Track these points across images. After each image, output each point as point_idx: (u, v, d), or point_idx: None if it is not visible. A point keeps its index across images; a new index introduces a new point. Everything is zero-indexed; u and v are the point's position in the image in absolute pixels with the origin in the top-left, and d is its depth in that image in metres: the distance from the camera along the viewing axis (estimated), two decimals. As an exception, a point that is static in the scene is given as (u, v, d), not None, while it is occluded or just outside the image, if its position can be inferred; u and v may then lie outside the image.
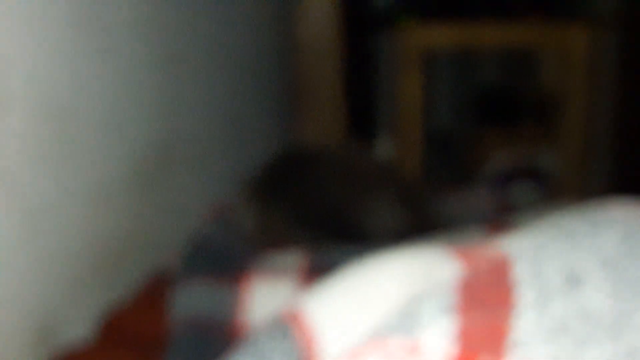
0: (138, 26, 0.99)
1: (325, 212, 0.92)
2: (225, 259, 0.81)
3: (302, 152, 1.04)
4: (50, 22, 0.77)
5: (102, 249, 0.90)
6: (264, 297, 0.72)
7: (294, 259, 0.80)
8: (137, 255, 0.99)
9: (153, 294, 0.85)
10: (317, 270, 0.76)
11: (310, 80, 1.92)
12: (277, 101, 1.83)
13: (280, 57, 1.85)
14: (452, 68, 2.37)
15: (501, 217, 0.91)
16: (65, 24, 0.80)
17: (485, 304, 0.37)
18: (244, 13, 1.51)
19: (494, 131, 2.16)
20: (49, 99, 0.78)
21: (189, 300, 0.73)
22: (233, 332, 0.69)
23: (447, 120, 2.40)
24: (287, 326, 0.42)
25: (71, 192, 0.83)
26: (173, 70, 1.11)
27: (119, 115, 0.94)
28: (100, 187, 0.90)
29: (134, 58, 0.98)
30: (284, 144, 1.75)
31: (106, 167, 0.91)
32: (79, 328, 0.83)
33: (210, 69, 1.30)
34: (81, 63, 0.84)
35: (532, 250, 0.39)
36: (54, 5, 0.77)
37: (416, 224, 0.94)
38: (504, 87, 2.35)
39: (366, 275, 0.44)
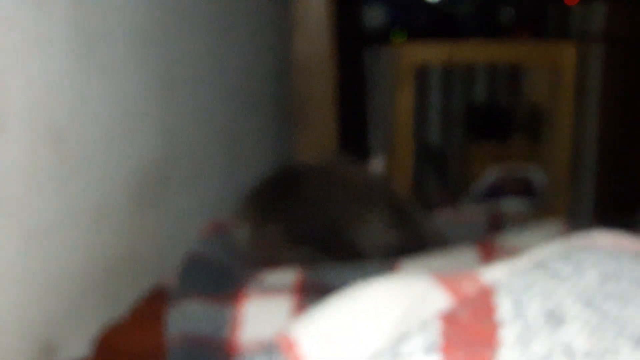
0: (136, 46, 0.98)
1: (319, 229, 0.92)
2: (220, 278, 0.80)
3: (296, 168, 1.03)
4: (48, 42, 0.77)
5: (102, 268, 0.90)
6: (259, 317, 0.71)
7: (288, 277, 0.79)
8: (137, 274, 0.98)
9: (149, 311, 0.84)
10: (312, 289, 0.76)
11: (305, 98, 1.92)
12: (273, 119, 1.83)
13: (276, 76, 1.85)
14: (443, 85, 2.38)
15: (491, 236, 0.91)
16: (63, 43, 0.79)
17: (470, 343, 0.36)
18: (241, 32, 1.52)
19: (484, 146, 2.17)
20: (46, 119, 0.77)
21: (184, 319, 0.72)
22: (228, 351, 0.69)
23: (438, 135, 2.40)
24: (282, 354, 0.42)
25: (70, 212, 0.83)
26: (171, 90, 1.11)
27: (118, 135, 0.94)
28: (99, 206, 0.89)
29: (132, 78, 0.98)
30: (281, 162, 1.75)
31: (105, 187, 0.91)
32: (79, 347, 0.82)
33: (207, 88, 1.30)
34: (79, 83, 0.83)
35: (518, 289, 0.39)
36: (52, 24, 0.77)
37: (408, 241, 0.94)
38: (493, 103, 2.36)
39: (358, 307, 0.43)
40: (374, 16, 2.17)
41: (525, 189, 2.00)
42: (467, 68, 2.35)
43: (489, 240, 0.87)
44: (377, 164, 1.17)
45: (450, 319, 0.38)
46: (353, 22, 2.17)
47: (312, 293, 0.75)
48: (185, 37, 1.17)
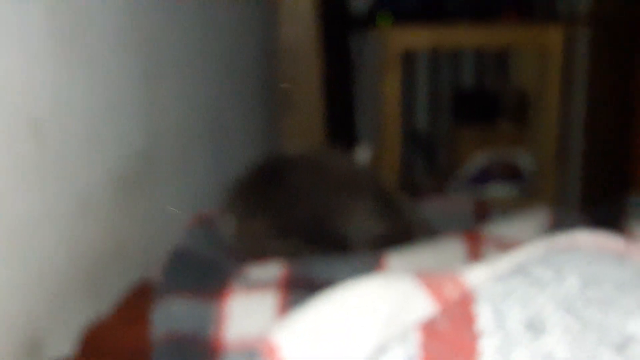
0: (117, 34, 0.97)
1: (305, 221, 0.91)
2: (205, 273, 0.80)
3: (281, 159, 1.03)
4: (26, 32, 0.75)
5: (86, 262, 0.88)
6: (244, 314, 0.71)
7: (273, 271, 0.79)
8: (122, 267, 0.97)
9: (135, 307, 0.83)
10: (298, 283, 0.75)
11: (291, 84, 1.91)
12: (260, 107, 1.81)
13: (262, 62, 1.84)
14: (430, 69, 2.37)
15: (478, 226, 0.90)
16: (42, 33, 0.77)
17: (449, 355, 0.36)
18: (225, 19, 1.50)
19: (471, 131, 2.16)
20: (25, 111, 0.75)
21: (170, 317, 0.72)
22: (214, 348, 0.68)
23: (426, 121, 2.39)
24: (264, 359, 0.41)
25: (52, 205, 0.81)
26: (154, 78, 1.09)
27: (100, 125, 0.92)
28: (82, 199, 0.88)
29: (113, 66, 0.96)
30: (268, 150, 1.74)
31: (88, 179, 0.89)
32: (64, 344, 0.81)
33: (191, 76, 1.28)
34: (59, 73, 0.81)
35: (498, 298, 0.38)
36: (31, 14, 0.75)
37: (395, 231, 0.93)
38: (480, 87, 2.36)
39: (341, 311, 0.43)
40: (360, 0, 2.15)
41: (512, 173, 2.00)
42: (454, 52, 2.34)
43: (475, 230, 0.86)
44: (363, 153, 1.16)
45: (430, 330, 0.37)
46: (339, 6, 2.15)
47: (298, 288, 0.74)
48: (167, 24, 1.15)
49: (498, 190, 1.98)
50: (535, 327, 0.36)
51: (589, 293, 0.37)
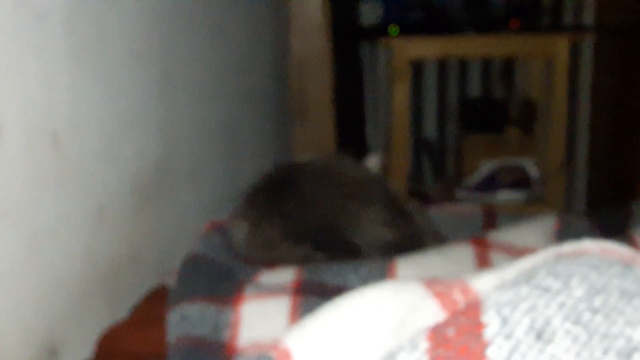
0: (133, 47, 0.97)
1: (316, 228, 0.91)
2: (219, 278, 0.79)
3: (293, 167, 1.02)
4: (45, 47, 0.75)
5: (103, 269, 0.89)
6: (257, 319, 0.70)
7: (285, 277, 0.78)
8: (139, 274, 0.97)
9: (150, 312, 0.83)
10: (309, 289, 0.75)
11: (302, 95, 1.91)
12: (272, 117, 1.81)
13: (274, 73, 1.84)
14: (438, 78, 2.37)
15: (486, 232, 0.90)
16: (60, 47, 0.78)
17: None
18: (238, 31, 1.50)
19: (479, 139, 2.16)
20: (44, 123, 0.76)
21: (184, 322, 0.72)
22: (227, 353, 0.68)
23: (434, 129, 2.39)
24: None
25: (71, 214, 0.82)
26: (169, 90, 1.10)
27: (116, 136, 0.93)
28: (100, 208, 0.88)
29: (130, 79, 0.96)
30: (280, 159, 1.74)
31: (105, 188, 0.89)
32: (82, 349, 0.82)
33: (206, 87, 1.28)
34: (76, 86, 0.82)
35: (506, 306, 0.38)
36: (49, 29, 0.76)
37: (405, 238, 0.93)
38: (487, 95, 2.35)
39: (352, 317, 0.42)
40: (370, 12, 2.15)
41: (519, 181, 1.99)
42: (461, 62, 2.33)
43: (483, 237, 0.86)
44: (374, 161, 1.16)
45: (437, 337, 0.37)
46: (349, 18, 2.16)
47: (310, 293, 0.74)
48: (182, 37, 1.16)
49: (506, 197, 1.97)
50: (543, 337, 0.35)
51: (596, 302, 0.37)
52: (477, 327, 0.37)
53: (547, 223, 0.90)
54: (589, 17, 2.26)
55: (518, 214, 1.11)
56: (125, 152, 0.95)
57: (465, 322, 0.37)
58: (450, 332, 0.37)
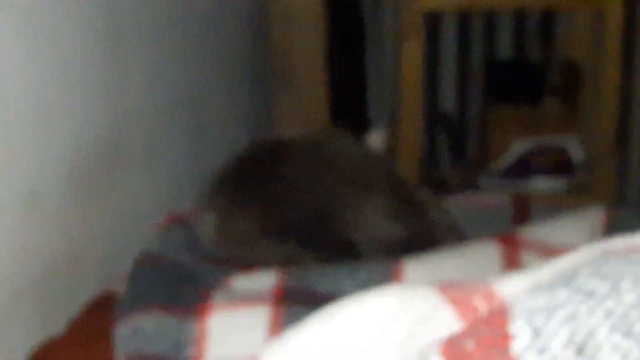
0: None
1: (304, 220, 0.92)
2: (180, 284, 0.80)
3: (274, 143, 1.03)
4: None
5: (36, 270, 0.89)
6: (228, 333, 0.71)
7: (264, 282, 0.79)
8: (79, 277, 0.98)
9: (93, 324, 0.84)
10: (294, 297, 0.76)
11: (287, 55, 1.91)
12: (248, 82, 1.81)
13: (251, 28, 1.84)
14: (458, 36, 2.37)
15: (517, 228, 0.91)
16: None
17: None
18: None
19: (509, 113, 2.16)
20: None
21: (137, 336, 0.72)
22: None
23: (453, 100, 2.39)
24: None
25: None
26: (118, 47, 1.10)
27: (51, 105, 0.93)
28: (31, 194, 0.88)
29: (69, 37, 0.96)
30: (258, 136, 1.74)
31: (37, 170, 0.90)
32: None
33: (165, 44, 1.28)
34: (1, 44, 0.82)
35: (540, 314, 0.38)
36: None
37: (415, 234, 0.94)
38: (520, 58, 2.35)
39: (347, 330, 0.43)
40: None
41: (559, 164, 2.01)
42: (488, 14, 2.33)
43: (513, 234, 0.87)
44: (376, 138, 1.17)
45: (453, 351, 0.37)
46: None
47: (294, 302, 0.75)
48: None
49: (542, 185, 1.99)
50: (585, 352, 0.36)
51: None
52: (502, 339, 0.37)
53: (594, 217, 0.91)
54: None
55: (557, 206, 1.12)
56: (62, 125, 0.95)
57: (488, 333, 0.37)
58: (469, 345, 0.37)
